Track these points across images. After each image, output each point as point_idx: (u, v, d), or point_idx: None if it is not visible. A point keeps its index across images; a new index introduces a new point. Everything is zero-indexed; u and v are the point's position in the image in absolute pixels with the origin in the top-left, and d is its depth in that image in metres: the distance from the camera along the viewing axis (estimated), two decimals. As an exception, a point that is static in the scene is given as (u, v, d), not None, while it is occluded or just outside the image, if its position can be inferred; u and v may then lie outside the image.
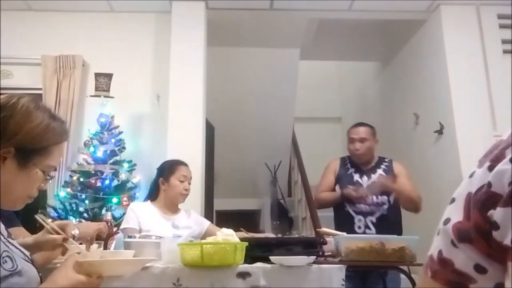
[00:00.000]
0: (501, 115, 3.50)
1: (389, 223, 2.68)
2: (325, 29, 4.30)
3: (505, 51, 3.65)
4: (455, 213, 0.55)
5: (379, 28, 4.30)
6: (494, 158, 0.52)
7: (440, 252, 0.56)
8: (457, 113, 3.54)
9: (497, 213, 0.49)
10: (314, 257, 1.79)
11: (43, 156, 1.06)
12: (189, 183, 2.53)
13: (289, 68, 4.84)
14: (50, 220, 2.82)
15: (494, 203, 0.50)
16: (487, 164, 0.53)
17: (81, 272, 1.05)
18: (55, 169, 1.13)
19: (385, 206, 2.70)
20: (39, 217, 1.36)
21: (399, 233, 2.68)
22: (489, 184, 0.51)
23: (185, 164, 2.57)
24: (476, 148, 3.22)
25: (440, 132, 3.73)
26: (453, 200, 0.57)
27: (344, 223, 2.66)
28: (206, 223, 2.59)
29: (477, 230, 0.52)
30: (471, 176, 0.55)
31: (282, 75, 4.88)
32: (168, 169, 2.53)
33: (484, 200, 0.51)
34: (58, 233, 1.36)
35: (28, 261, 1.06)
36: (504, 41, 3.66)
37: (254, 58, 4.72)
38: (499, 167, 0.51)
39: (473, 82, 3.60)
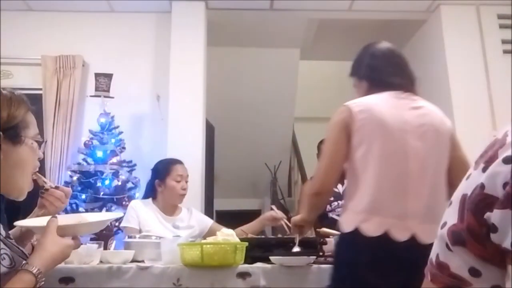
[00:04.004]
0: (501, 115, 3.49)
1: None
2: (325, 29, 4.29)
3: (505, 51, 3.64)
4: (451, 217, 0.55)
5: (379, 28, 4.29)
6: (488, 159, 0.52)
7: (437, 256, 0.57)
8: (457, 113, 3.53)
9: (495, 216, 0.48)
10: (314, 257, 1.79)
11: (26, 128, 1.11)
12: (186, 182, 2.47)
13: (289, 68, 4.84)
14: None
15: (488, 205, 0.49)
16: (482, 165, 0.53)
17: (63, 235, 1.11)
18: (41, 135, 1.18)
19: None
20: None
21: None
22: (482, 186, 0.51)
23: (180, 163, 2.51)
24: (476, 148, 3.21)
25: (440, 132, 3.72)
26: (450, 203, 0.57)
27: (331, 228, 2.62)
28: (210, 221, 2.54)
29: (470, 233, 0.52)
30: (467, 178, 0.56)
31: (282, 75, 4.87)
32: (163, 170, 2.47)
33: (478, 202, 0.51)
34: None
35: (25, 259, 1.07)
36: (504, 41, 3.66)
37: (254, 58, 4.71)
38: (492, 168, 0.51)
39: (473, 82, 3.60)
